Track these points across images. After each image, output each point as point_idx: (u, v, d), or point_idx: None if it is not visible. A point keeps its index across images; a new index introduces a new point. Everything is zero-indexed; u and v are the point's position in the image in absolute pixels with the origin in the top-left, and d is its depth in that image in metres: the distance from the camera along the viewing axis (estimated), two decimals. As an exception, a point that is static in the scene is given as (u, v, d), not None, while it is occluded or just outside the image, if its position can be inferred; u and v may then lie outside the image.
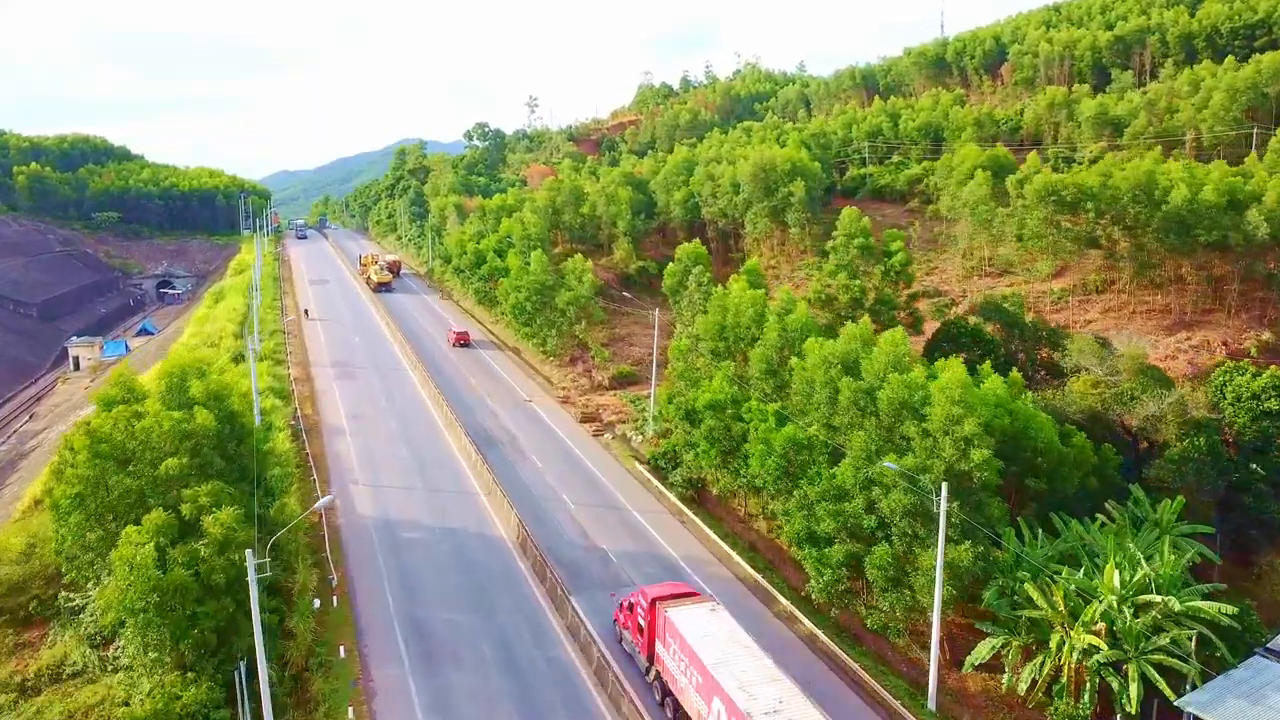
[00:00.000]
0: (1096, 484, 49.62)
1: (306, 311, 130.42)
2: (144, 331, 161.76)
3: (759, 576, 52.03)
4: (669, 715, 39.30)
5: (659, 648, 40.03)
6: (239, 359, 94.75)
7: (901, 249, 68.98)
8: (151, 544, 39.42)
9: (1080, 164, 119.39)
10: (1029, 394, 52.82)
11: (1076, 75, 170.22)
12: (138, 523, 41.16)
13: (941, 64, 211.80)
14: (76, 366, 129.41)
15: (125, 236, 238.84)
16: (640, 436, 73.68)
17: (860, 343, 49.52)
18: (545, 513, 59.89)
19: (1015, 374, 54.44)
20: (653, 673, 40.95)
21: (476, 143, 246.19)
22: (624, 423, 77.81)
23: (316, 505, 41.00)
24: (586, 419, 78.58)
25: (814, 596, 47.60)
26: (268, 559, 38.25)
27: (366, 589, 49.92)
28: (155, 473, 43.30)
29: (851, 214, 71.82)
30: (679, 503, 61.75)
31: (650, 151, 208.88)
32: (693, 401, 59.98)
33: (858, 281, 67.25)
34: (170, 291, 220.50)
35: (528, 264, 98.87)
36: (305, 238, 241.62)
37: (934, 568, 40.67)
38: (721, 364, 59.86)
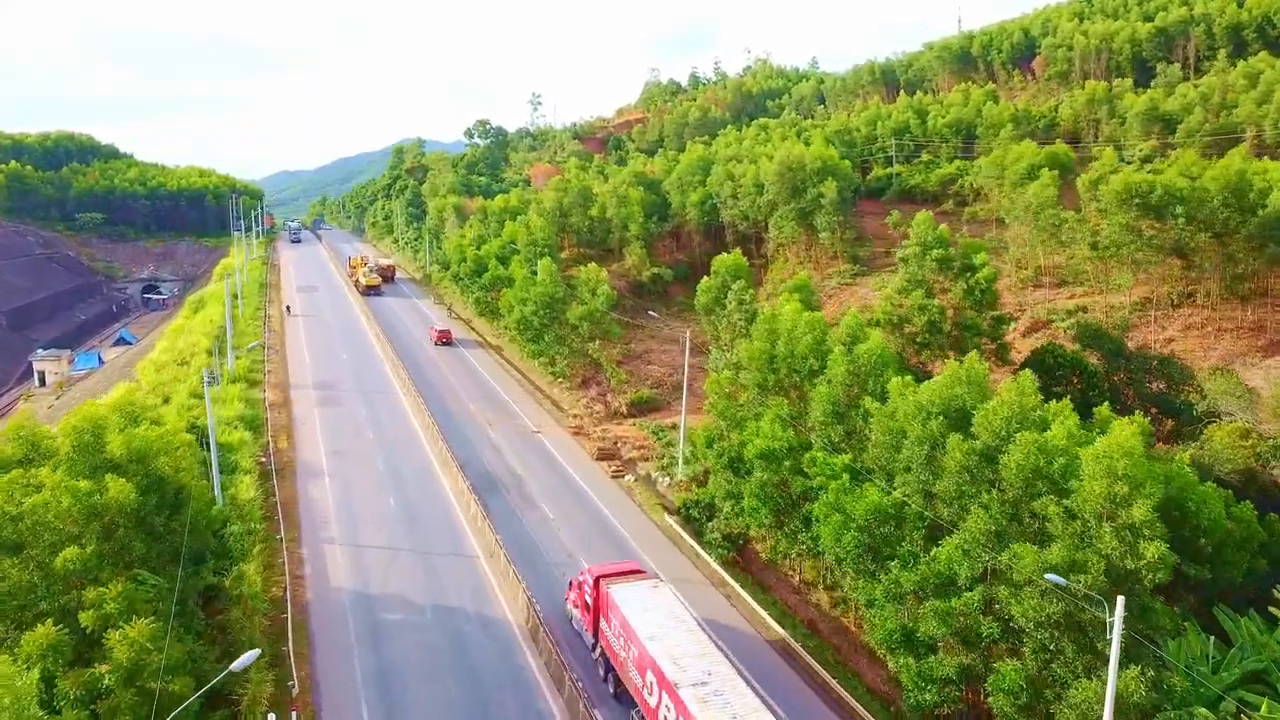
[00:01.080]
0: (1265, 565, 39.01)
1: (289, 308, 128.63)
2: (121, 341, 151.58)
3: (831, 678, 41.45)
4: (611, 690, 39.87)
5: (602, 624, 40.85)
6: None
7: (986, 262, 58.22)
8: (36, 672, 28.88)
9: (1130, 163, 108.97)
10: (1185, 453, 42.22)
11: (1114, 69, 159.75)
12: (28, 629, 30.84)
13: (966, 58, 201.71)
14: (42, 382, 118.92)
15: (110, 239, 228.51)
16: (668, 479, 63.17)
17: (967, 386, 38.82)
18: (561, 584, 49.23)
19: (1142, 419, 43.73)
20: (598, 649, 41.65)
21: (478, 140, 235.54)
22: (647, 461, 67.28)
23: (235, 665, 29.38)
24: (604, 456, 68.00)
25: (908, 716, 37.13)
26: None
27: (336, 701, 39.23)
28: (52, 564, 32.81)
29: (925, 219, 60.94)
30: (720, 569, 51.16)
31: (660, 150, 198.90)
32: (738, 447, 49.44)
33: (935, 302, 56.57)
34: (156, 297, 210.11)
35: (534, 273, 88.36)
36: (299, 241, 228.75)
37: (1088, 700, 30.21)
38: (772, 402, 49.21)
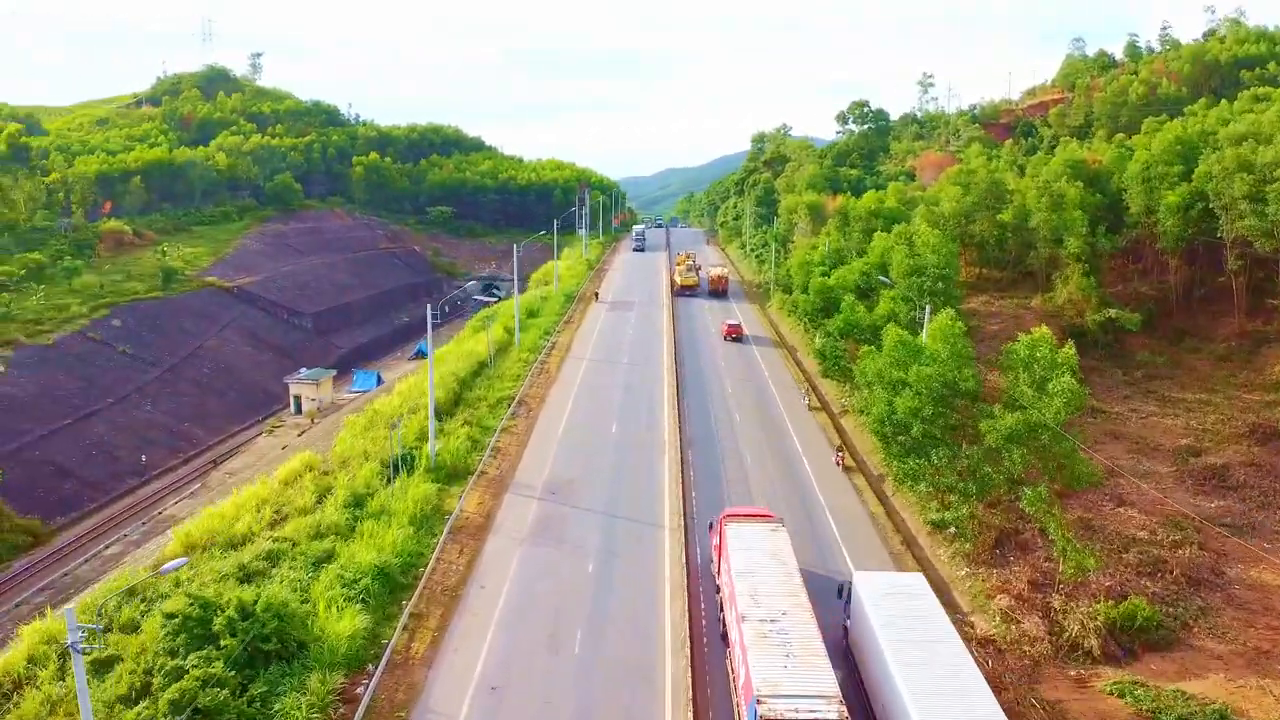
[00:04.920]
0: None
1: (596, 295, 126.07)
2: (420, 354, 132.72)
3: None
4: (721, 630, 37.16)
5: (722, 562, 39.21)
6: (409, 470, 54.92)
7: None
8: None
9: None
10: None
11: None
12: None
13: None
14: (298, 409, 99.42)
15: (456, 234, 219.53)
16: None
17: None
18: None
19: None
20: (719, 591, 39.70)
21: (852, 127, 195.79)
22: None
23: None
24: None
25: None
26: None
27: None
28: None
29: None
30: None
31: (1086, 136, 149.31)
32: None
33: None
34: (488, 299, 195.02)
35: (917, 333, 49.55)
36: (642, 249, 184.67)
37: None
38: None
